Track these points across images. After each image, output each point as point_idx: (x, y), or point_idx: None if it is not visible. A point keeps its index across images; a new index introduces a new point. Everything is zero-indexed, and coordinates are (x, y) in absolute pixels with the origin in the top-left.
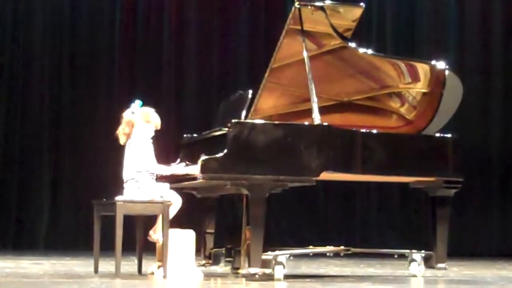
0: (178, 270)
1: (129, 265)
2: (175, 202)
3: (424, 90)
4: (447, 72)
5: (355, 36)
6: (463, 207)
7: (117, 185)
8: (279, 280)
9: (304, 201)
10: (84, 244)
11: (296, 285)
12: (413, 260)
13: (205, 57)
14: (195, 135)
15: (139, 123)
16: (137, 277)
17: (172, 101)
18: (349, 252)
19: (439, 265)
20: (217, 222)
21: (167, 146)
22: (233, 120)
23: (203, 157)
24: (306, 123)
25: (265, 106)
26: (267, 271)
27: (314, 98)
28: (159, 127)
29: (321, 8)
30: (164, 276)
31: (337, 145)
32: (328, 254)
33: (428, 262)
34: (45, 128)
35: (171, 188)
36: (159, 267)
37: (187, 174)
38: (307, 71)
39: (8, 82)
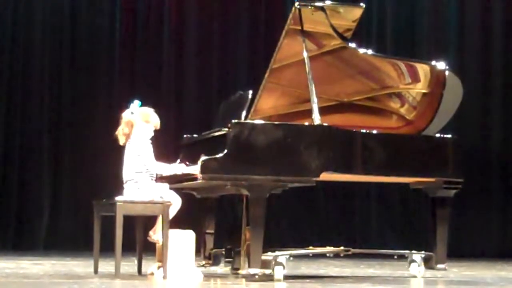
0: (178, 270)
1: (129, 265)
2: (175, 203)
3: (424, 91)
4: (447, 72)
5: (355, 36)
6: (463, 208)
7: (117, 185)
8: (279, 280)
9: (304, 202)
10: (84, 244)
11: (296, 286)
12: (413, 261)
13: (205, 57)
14: (195, 135)
15: (138, 123)
16: (137, 278)
17: (172, 101)
18: (349, 253)
19: (439, 265)
20: (217, 223)
21: (167, 146)
22: (233, 121)
23: (203, 158)
24: (306, 123)
25: (265, 107)
26: (267, 271)
27: (314, 99)
28: (158, 127)
29: (321, 9)
30: (164, 277)
31: (337, 146)
32: (328, 254)
33: (428, 262)
34: (45, 128)
35: (170, 188)
36: (159, 267)
37: (187, 174)
38: (307, 71)
39: (8, 82)
